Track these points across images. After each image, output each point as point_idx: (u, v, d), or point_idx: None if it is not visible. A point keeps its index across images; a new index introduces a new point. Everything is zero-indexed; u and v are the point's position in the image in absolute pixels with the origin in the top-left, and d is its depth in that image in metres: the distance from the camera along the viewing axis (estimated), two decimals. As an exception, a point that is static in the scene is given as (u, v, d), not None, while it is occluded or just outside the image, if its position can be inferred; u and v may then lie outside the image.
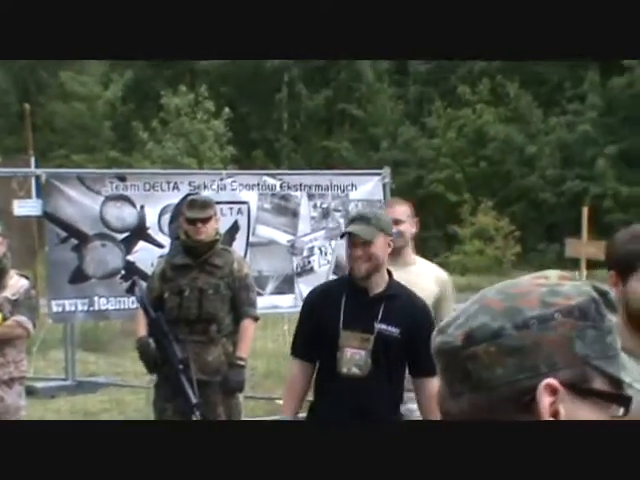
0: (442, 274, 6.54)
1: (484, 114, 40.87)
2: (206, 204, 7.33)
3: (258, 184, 10.50)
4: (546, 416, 1.45)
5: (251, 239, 10.32)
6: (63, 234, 9.70)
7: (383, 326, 5.18)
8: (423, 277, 6.26)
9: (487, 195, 37.13)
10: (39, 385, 12.12)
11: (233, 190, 10.33)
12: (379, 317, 5.20)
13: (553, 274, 1.60)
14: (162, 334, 7.13)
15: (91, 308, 9.82)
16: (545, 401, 1.46)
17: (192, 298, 7.16)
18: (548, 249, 36.19)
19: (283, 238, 10.55)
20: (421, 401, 5.36)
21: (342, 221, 10.70)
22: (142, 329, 7.28)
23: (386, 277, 5.35)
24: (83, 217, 9.75)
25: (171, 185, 10.13)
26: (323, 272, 10.64)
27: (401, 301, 5.30)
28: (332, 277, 10.66)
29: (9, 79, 45.27)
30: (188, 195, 9.31)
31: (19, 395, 7.45)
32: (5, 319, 7.21)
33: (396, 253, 5.92)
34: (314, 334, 5.31)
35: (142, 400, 10.19)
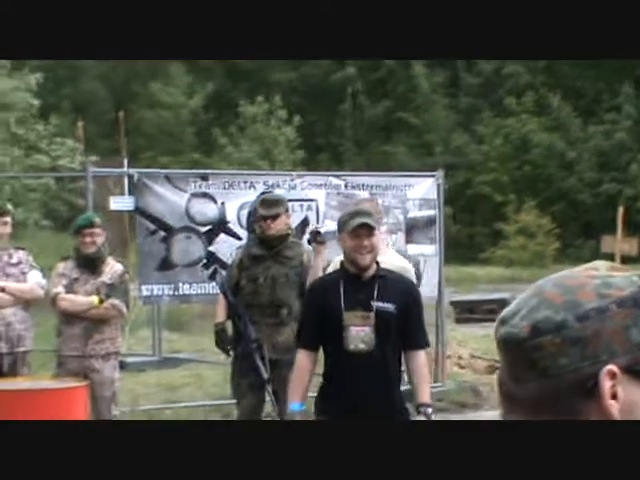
0: (404, 265, 6.46)
1: (528, 123, 40.64)
2: (276, 202, 7.34)
3: (325, 184, 10.51)
4: (607, 398, 1.45)
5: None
6: (152, 227, 9.77)
7: (380, 304, 5.21)
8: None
9: (530, 196, 36.99)
10: (130, 360, 12.24)
11: (303, 189, 10.34)
12: (375, 296, 5.22)
13: (602, 265, 1.59)
14: (238, 317, 7.17)
15: (176, 292, 9.89)
16: (606, 385, 1.45)
17: (265, 285, 7.19)
18: (585, 245, 35.90)
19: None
20: (412, 372, 5.38)
21: (401, 217, 10.67)
22: (221, 313, 7.34)
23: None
24: (170, 212, 9.82)
25: (248, 184, 10.17)
26: (382, 263, 10.59)
27: (391, 281, 5.35)
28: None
29: (106, 90, 45.80)
30: (263, 193, 9.33)
31: (114, 368, 7.55)
32: (102, 302, 7.30)
33: None
34: (317, 323, 5.35)
35: (220, 375, 10.23)
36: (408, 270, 6.41)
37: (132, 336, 13.55)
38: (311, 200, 10.30)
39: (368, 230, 5.21)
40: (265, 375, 6.96)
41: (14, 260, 7.55)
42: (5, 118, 17.61)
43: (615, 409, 1.45)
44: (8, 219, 7.67)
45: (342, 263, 5.43)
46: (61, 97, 41.30)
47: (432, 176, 11.15)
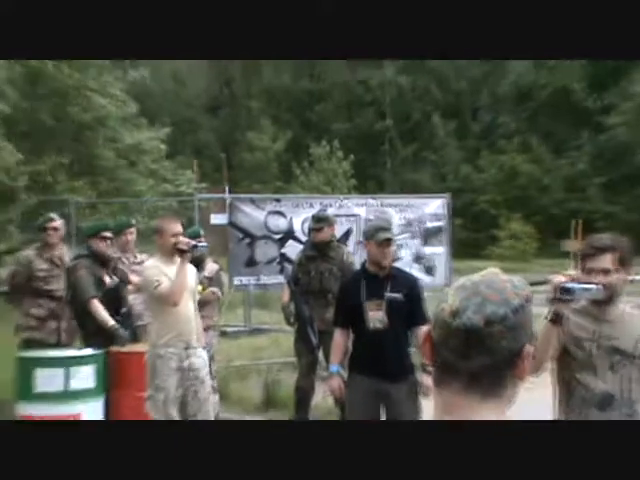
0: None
1: (516, 159, 40.31)
2: (321, 219, 7.21)
3: (365, 203, 10.37)
4: (526, 371, 1.52)
5: (360, 239, 10.17)
6: (241, 235, 9.71)
7: (391, 294, 5.08)
8: None
9: (517, 210, 36.75)
10: (229, 330, 12.18)
11: (348, 207, 10.22)
12: (387, 289, 5.09)
13: (497, 270, 1.60)
14: (297, 300, 7.08)
15: (259, 282, 9.82)
16: (527, 361, 1.52)
17: (316, 277, 7.08)
18: (556, 245, 35.34)
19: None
20: (417, 341, 5.20)
21: (418, 228, 10.48)
22: (286, 297, 7.26)
23: None
24: (254, 225, 9.75)
25: (309, 204, 10.08)
26: (406, 260, 10.40)
27: (400, 278, 5.21)
28: (413, 264, 10.43)
29: (214, 138, 46.16)
30: (320, 211, 9.26)
31: (213, 337, 7.46)
32: (205, 289, 7.23)
33: None
34: (347, 309, 5.22)
35: (291, 341, 10.12)
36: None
37: (231, 313, 13.48)
38: (355, 215, 10.17)
39: (390, 242, 5.09)
40: (314, 342, 6.88)
41: (139, 260, 7.50)
42: (143, 160, 17.82)
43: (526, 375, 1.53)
44: (133, 229, 7.65)
45: (364, 264, 5.28)
46: (185, 144, 41.65)
47: (443, 197, 10.94)
